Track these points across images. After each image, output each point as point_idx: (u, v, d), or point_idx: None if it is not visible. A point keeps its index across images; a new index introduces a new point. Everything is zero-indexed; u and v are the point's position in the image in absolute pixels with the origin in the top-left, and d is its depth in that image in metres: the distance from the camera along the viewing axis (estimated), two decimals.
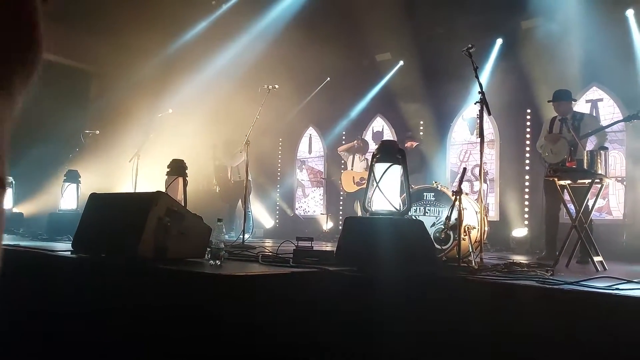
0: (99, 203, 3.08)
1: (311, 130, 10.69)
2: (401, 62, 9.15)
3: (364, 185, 3.24)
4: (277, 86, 5.38)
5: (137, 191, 5.85)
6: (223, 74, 8.55)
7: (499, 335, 2.26)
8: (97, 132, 7.48)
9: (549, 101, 5.25)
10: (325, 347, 2.47)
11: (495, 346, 2.26)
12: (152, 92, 8.12)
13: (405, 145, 7.33)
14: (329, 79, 9.86)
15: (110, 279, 2.61)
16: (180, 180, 4.23)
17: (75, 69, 8.98)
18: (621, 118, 5.13)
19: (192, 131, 7.89)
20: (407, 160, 3.11)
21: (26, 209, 6.79)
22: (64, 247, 3.46)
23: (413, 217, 4.08)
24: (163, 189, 4.01)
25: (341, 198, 9.85)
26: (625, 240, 6.13)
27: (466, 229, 3.70)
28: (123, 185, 6.78)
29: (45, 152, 7.15)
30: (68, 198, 5.52)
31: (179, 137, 7.37)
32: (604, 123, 5.42)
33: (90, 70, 9.27)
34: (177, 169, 4.27)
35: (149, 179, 6.15)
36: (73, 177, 5.63)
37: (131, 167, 6.34)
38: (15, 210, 6.57)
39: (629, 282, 2.50)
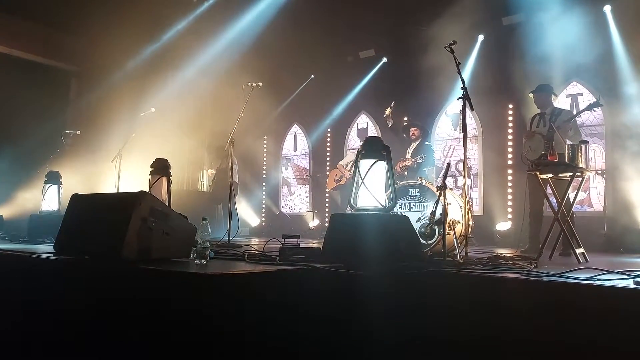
0: (81, 204, 3.03)
1: (296, 128, 10.67)
2: (385, 59, 9.18)
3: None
4: (260, 84, 5.35)
5: (120, 191, 5.77)
6: (206, 72, 8.48)
7: (485, 328, 2.29)
8: (78, 132, 7.36)
9: (530, 92, 5.31)
10: (313, 344, 2.47)
11: (481, 338, 2.28)
12: (134, 91, 8.01)
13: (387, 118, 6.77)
14: (312, 76, 9.85)
15: (94, 281, 2.58)
16: (164, 179, 4.17)
17: (55, 68, 8.82)
18: (588, 108, 4.98)
19: (175, 130, 7.81)
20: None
21: (6, 211, 6.65)
22: (45, 249, 3.39)
23: (398, 213, 4.10)
24: (146, 189, 3.96)
25: (327, 195, 9.86)
26: (605, 232, 6.25)
27: (451, 223, 3.73)
28: (105, 185, 6.68)
29: (26, 153, 7.02)
30: (49, 199, 5.42)
31: (162, 136, 7.29)
32: (584, 118, 5.49)
33: (71, 69, 9.10)
34: (161, 168, 4.21)
35: (132, 179, 6.07)
36: (54, 178, 5.52)
37: (113, 167, 6.25)
38: None
39: (609, 272, 2.54)
